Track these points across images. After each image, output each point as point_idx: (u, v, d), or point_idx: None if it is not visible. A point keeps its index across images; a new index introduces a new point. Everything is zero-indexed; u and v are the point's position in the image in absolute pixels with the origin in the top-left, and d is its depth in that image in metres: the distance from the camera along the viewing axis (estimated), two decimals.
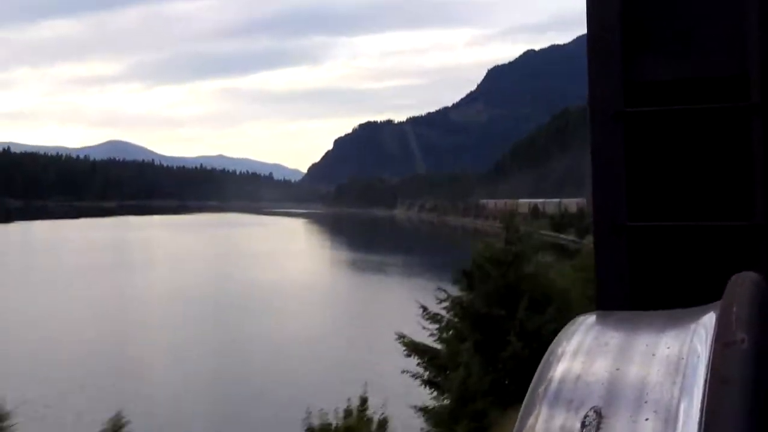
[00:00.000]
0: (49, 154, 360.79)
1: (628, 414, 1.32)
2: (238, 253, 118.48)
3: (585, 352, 1.50)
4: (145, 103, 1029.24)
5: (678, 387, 1.34)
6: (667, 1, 3.15)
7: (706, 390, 1.30)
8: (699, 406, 1.28)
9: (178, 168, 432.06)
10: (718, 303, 1.49)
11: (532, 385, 1.47)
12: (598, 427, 1.30)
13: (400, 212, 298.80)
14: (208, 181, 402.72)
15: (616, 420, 1.31)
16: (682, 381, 1.35)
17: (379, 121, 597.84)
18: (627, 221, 3.05)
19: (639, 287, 3.01)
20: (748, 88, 2.92)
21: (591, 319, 1.68)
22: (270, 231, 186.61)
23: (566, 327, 1.62)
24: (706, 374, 1.33)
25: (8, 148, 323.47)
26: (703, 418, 1.25)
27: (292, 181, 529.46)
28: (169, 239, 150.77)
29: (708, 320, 1.49)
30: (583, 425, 1.32)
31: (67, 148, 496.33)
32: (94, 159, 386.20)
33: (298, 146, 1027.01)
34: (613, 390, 1.38)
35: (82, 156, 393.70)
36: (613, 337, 1.53)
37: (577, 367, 1.46)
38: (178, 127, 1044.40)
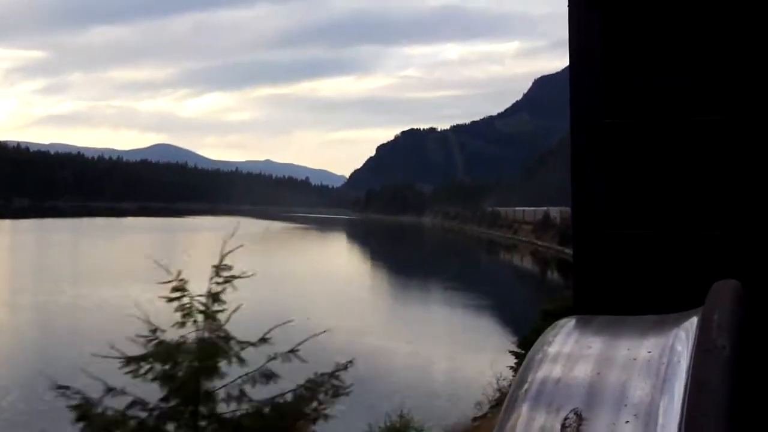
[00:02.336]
0: (94, 157, 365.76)
1: (608, 416, 1.31)
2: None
3: (566, 356, 1.48)
4: (196, 108, 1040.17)
5: (659, 390, 1.32)
6: (647, 14, 3.08)
7: (687, 395, 1.29)
8: (679, 409, 1.28)
9: (213, 171, 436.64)
10: (700, 309, 1.48)
11: (512, 387, 1.46)
12: (578, 429, 1.29)
13: (427, 220, 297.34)
14: (240, 184, 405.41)
15: (596, 422, 1.30)
16: (663, 385, 1.33)
17: (422, 129, 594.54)
18: (605, 229, 3.02)
19: (616, 294, 3.01)
20: (723, 101, 2.94)
21: (571, 323, 1.65)
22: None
23: (546, 331, 1.60)
24: (687, 379, 1.32)
25: (19, 145, 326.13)
26: (683, 423, 1.25)
27: (333, 187, 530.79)
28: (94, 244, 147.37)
29: (689, 326, 1.49)
30: (563, 427, 1.31)
31: (116, 151, 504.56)
32: (111, 158, 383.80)
33: (343, 153, 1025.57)
34: (593, 393, 1.36)
35: (131, 158, 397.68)
36: (595, 341, 1.52)
37: (557, 370, 1.44)
38: (226, 133, 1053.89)
